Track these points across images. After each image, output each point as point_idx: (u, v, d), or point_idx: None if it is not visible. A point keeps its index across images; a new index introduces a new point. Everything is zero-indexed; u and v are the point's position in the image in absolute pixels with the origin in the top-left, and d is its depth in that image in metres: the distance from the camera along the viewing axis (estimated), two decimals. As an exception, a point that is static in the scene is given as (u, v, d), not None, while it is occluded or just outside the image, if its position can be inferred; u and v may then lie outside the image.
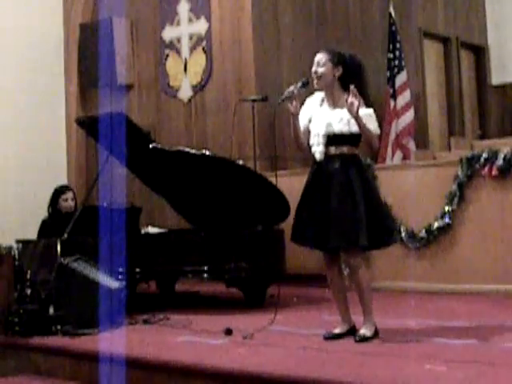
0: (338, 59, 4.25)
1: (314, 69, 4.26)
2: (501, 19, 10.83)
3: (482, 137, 10.39)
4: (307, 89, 4.30)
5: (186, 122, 8.10)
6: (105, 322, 4.89)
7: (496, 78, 10.95)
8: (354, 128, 4.17)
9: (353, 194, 4.15)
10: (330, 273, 4.34)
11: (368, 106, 4.25)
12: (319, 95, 4.35)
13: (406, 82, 8.48)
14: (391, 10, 8.55)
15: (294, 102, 4.24)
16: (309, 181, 4.31)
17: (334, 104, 4.25)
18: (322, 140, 4.21)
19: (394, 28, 8.53)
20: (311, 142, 4.28)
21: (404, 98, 8.43)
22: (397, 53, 8.46)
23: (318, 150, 4.23)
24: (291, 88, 4.25)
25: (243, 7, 7.66)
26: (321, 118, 4.25)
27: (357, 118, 4.08)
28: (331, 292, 4.42)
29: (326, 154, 4.21)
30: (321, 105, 4.32)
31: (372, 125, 4.19)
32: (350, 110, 4.08)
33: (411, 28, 9.55)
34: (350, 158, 4.23)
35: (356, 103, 4.06)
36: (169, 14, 8.27)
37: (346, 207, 4.12)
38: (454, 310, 5.22)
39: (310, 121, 4.30)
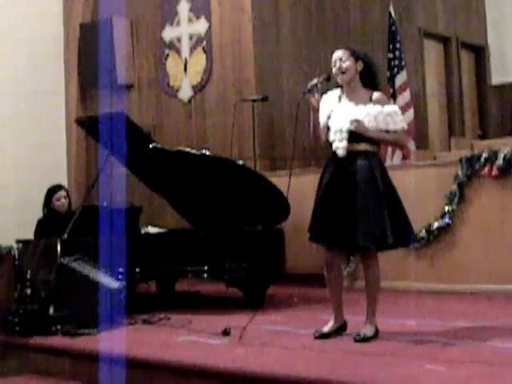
0: (357, 54, 4.27)
1: (337, 65, 4.23)
2: (501, 19, 10.84)
3: (482, 137, 10.39)
4: (329, 83, 4.30)
5: (186, 122, 8.09)
6: (105, 322, 4.89)
7: (496, 78, 10.95)
8: (381, 124, 4.16)
9: (378, 191, 4.12)
10: (331, 272, 4.31)
11: None
12: (335, 93, 4.33)
13: (406, 82, 8.47)
14: (391, 9, 8.54)
15: (316, 95, 4.22)
16: (329, 177, 4.22)
17: (356, 99, 4.23)
18: (345, 135, 4.16)
19: (394, 28, 8.52)
20: (332, 139, 4.22)
21: (404, 97, 8.41)
22: (397, 53, 8.45)
23: (340, 146, 4.17)
24: (314, 81, 4.23)
25: (243, 7, 7.66)
26: (343, 113, 4.21)
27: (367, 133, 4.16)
28: (328, 290, 4.39)
29: (349, 151, 4.17)
30: (339, 101, 4.29)
31: (396, 124, 4.19)
32: (357, 129, 4.14)
33: (411, 28, 9.56)
34: (373, 155, 4.21)
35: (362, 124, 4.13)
36: (169, 14, 8.27)
37: (373, 205, 4.09)
38: (454, 310, 5.21)
39: (328, 117, 4.27)
